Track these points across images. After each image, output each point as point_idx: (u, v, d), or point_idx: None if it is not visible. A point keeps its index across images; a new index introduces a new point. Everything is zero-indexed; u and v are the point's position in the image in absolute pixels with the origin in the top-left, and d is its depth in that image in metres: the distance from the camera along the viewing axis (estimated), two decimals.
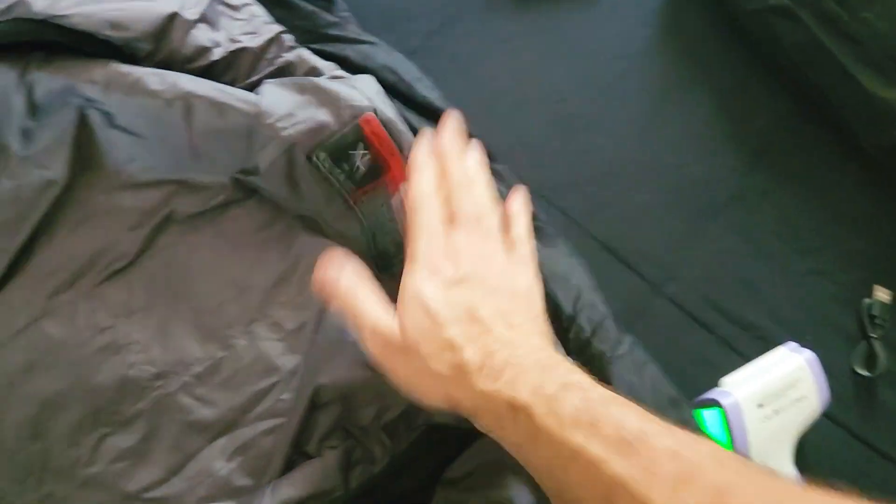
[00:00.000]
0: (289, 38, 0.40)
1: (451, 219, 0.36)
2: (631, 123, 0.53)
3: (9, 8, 0.36)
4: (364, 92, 0.38)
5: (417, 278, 0.33)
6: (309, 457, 0.38)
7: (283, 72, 0.40)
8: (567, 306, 0.39)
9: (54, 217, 0.39)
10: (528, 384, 0.28)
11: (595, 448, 0.25)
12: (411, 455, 0.39)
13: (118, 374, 0.38)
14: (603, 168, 0.52)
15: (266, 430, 0.38)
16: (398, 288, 0.33)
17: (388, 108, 0.39)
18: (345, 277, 0.34)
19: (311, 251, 0.41)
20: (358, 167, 0.38)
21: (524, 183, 0.42)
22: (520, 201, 0.40)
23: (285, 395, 0.39)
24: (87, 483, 0.37)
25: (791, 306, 0.49)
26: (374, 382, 0.38)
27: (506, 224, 0.38)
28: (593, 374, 0.30)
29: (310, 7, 0.43)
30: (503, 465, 0.37)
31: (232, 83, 0.38)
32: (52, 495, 0.37)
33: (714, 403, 0.43)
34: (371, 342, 0.33)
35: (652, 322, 0.48)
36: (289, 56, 0.40)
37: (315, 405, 0.39)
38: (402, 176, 0.40)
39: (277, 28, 0.40)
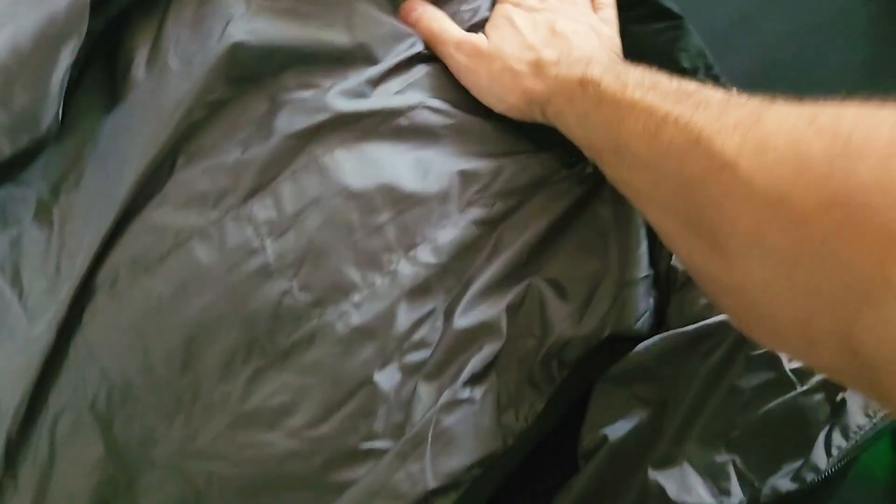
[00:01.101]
0: None
1: None
2: (849, 74, 0.46)
3: None
4: None
5: (504, 6, 0.38)
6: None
7: None
8: None
9: (200, 127, 0.35)
10: (598, 66, 0.32)
11: (651, 98, 0.28)
12: (565, 395, 0.35)
13: (272, 301, 0.34)
14: None
15: (420, 362, 0.35)
16: None
17: None
18: (429, 8, 0.39)
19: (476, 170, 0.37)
20: None
21: None
22: None
23: (439, 323, 0.35)
24: (238, 421, 0.34)
25: None
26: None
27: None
28: None
29: None
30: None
31: None
32: (196, 436, 0.34)
33: None
34: (457, 53, 0.37)
35: None
36: None
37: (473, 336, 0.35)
38: None
39: None
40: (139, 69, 0.35)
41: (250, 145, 0.35)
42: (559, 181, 0.37)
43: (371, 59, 0.38)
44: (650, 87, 0.28)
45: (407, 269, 0.35)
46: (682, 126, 0.25)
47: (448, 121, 0.37)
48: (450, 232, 0.36)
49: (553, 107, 0.34)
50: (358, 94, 0.36)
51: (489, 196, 0.36)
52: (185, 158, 0.35)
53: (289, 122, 0.35)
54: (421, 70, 0.39)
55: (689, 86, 0.28)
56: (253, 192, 0.35)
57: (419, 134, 0.37)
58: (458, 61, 0.37)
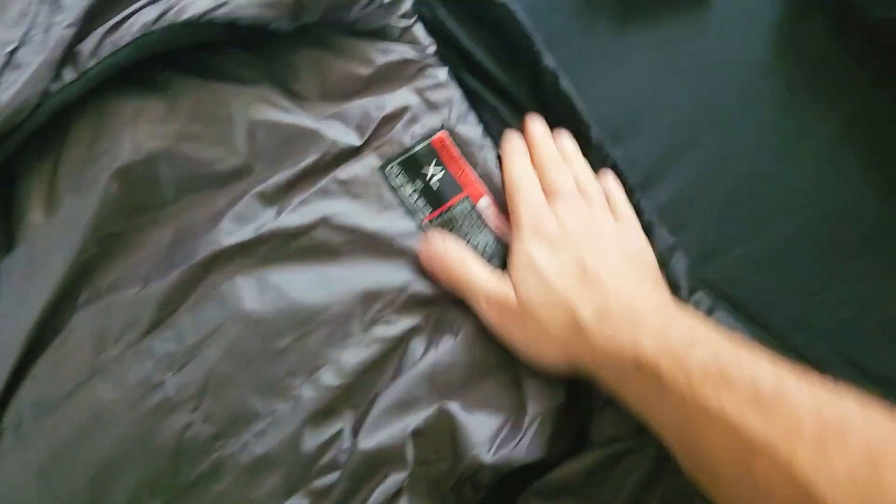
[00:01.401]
0: None
1: (551, 195, 0.37)
2: (752, 150, 0.46)
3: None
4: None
5: (526, 243, 0.34)
6: None
7: None
8: None
9: (99, 263, 0.35)
10: (650, 339, 0.28)
11: (730, 408, 0.24)
12: None
13: (174, 435, 0.34)
14: (721, 202, 0.44)
15: (328, 487, 0.34)
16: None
17: (468, 126, 0.40)
18: (452, 248, 0.35)
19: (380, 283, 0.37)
20: (431, 185, 0.39)
21: None
22: (612, 178, 0.41)
23: (347, 444, 0.35)
24: None
25: None
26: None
27: (606, 197, 0.39)
28: None
29: None
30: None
31: None
32: None
33: None
34: (488, 310, 0.34)
35: None
36: None
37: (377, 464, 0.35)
38: (480, 191, 0.39)
39: None
40: (36, 212, 0.36)
41: (150, 279, 0.35)
42: None
43: (270, 168, 0.37)
44: (720, 381, 0.24)
45: (310, 393, 0.35)
46: (780, 465, 0.22)
47: (350, 237, 0.37)
48: (353, 352, 0.36)
49: (602, 378, 0.31)
50: (256, 215, 0.36)
51: (393, 312, 0.36)
52: (88, 296, 0.35)
53: (188, 253, 0.35)
54: (325, 178, 0.38)
55: (763, 374, 0.24)
56: (153, 326, 0.35)
57: (321, 253, 0.36)
58: (489, 319, 0.34)
